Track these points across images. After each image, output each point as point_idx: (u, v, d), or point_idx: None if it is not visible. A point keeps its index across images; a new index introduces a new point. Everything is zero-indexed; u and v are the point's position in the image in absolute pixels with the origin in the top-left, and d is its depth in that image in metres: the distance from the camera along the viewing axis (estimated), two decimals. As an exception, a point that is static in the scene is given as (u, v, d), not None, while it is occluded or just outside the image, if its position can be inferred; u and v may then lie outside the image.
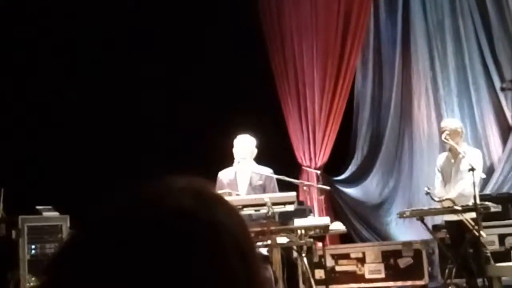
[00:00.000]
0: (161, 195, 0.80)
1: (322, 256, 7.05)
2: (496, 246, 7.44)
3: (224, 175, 6.50)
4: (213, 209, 0.81)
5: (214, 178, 6.51)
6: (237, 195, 6.25)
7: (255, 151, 6.49)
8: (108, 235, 0.77)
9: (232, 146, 6.48)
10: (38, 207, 6.77)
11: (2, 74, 8.54)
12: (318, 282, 6.36)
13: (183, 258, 0.75)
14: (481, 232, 6.31)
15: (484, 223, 6.52)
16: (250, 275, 0.80)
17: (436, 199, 6.67)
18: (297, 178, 7.90)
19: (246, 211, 5.98)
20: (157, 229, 0.76)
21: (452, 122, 7.18)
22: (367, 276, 7.77)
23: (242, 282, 0.78)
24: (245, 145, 6.43)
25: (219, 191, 6.15)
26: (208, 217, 0.79)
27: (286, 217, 5.98)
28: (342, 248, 8.10)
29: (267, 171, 6.41)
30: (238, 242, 0.80)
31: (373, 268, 7.75)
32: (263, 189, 6.32)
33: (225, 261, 0.77)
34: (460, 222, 6.50)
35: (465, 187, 6.65)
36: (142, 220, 0.77)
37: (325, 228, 5.96)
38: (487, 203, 6.54)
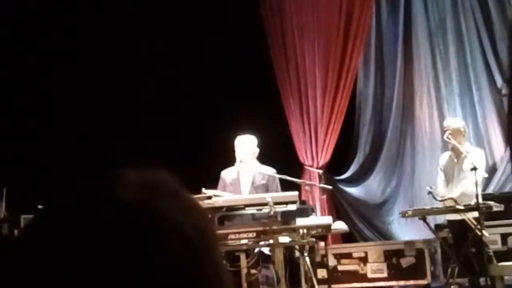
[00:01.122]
0: (107, 188, 0.77)
1: (324, 256, 7.05)
2: (498, 246, 7.43)
3: (227, 174, 6.50)
4: (161, 202, 0.76)
5: (216, 177, 6.51)
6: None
7: (257, 150, 6.47)
8: (45, 232, 0.75)
9: (234, 146, 6.47)
10: (40, 206, 6.78)
11: (3, 73, 8.55)
12: (320, 281, 6.35)
13: (118, 251, 0.72)
14: (484, 232, 6.30)
15: (486, 223, 6.51)
16: (203, 273, 0.75)
17: (438, 198, 6.66)
18: (299, 178, 7.89)
19: (248, 211, 5.98)
20: (95, 222, 0.73)
21: (454, 121, 7.16)
22: (370, 275, 7.77)
23: (191, 279, 0.74)
24: (244, 146, 6.42)
25: (222, 191, 6.16)
26: (151, 210, 0.75)
27: (288, 217, 5.99)
28: (344, 248, 8.10)
29: (270, 171, 6.40)
30: (187, 237, 0.75)
31: (375, 268, 7.74)
32: (266, 188, 6.31)
33: (168, 256, 0.73)
34: (462, 222, 6.49)
35: (468, 186, 6.63)
36: (79, 214, 0.74)
37: (327, 227, 5.95)
38: (489, 202, 6.53)
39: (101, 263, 0.71)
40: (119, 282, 0.71)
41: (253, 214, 6.14)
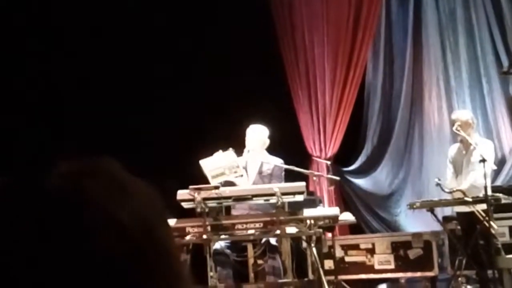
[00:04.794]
0: (37, 178, 0.77)
1: (332, 247, 7.06)
2: (506, 238, 7.41)
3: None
4: (89, 190, 0.74)
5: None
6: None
7: (267, 141, 6.47)
8: None
9: (243, 136, 6.48)
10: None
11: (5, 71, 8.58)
12: (327, 272, 6.35)
13: (39, 241, 0.71)
14: (492, 224, 6.28)
15: (494, 215, 6.50)
16: (142, 265, 0.72)
17: (447, 190, 6.65)
18: (307, 169, 7.88)
19: (255, 201, 5.99)
20: (17, 212, 0.73)
21: (463, 113, 7.14)
22: (377, 267, 7.76)
23: (129, 271, 0.72)
24: (254, 135, 6.43)
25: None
26: (76, 198, 0.73)
27: (296, 207, 5.99)
28: (352, 239, 8.09)
29: (278, 162, 6.40)
30: (122, 225, 0.72)
31: (382, 259, 7.74)
32: (270, 176, 6.32)
33: (98, 245, 0.70)
34: (471, 214, 6.48)
35: (477, 178, 6.62)
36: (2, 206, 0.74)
37: (335, 218, 5.95)
38: (498, 194, 6.51)
39: (19, 253, 0.70)
40: (39, 271, 0.70)
41: (260, 205, 6.13)
